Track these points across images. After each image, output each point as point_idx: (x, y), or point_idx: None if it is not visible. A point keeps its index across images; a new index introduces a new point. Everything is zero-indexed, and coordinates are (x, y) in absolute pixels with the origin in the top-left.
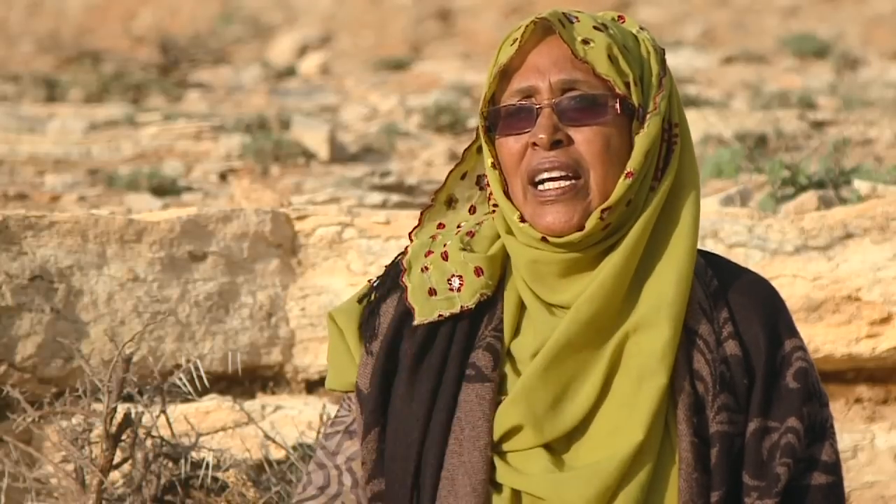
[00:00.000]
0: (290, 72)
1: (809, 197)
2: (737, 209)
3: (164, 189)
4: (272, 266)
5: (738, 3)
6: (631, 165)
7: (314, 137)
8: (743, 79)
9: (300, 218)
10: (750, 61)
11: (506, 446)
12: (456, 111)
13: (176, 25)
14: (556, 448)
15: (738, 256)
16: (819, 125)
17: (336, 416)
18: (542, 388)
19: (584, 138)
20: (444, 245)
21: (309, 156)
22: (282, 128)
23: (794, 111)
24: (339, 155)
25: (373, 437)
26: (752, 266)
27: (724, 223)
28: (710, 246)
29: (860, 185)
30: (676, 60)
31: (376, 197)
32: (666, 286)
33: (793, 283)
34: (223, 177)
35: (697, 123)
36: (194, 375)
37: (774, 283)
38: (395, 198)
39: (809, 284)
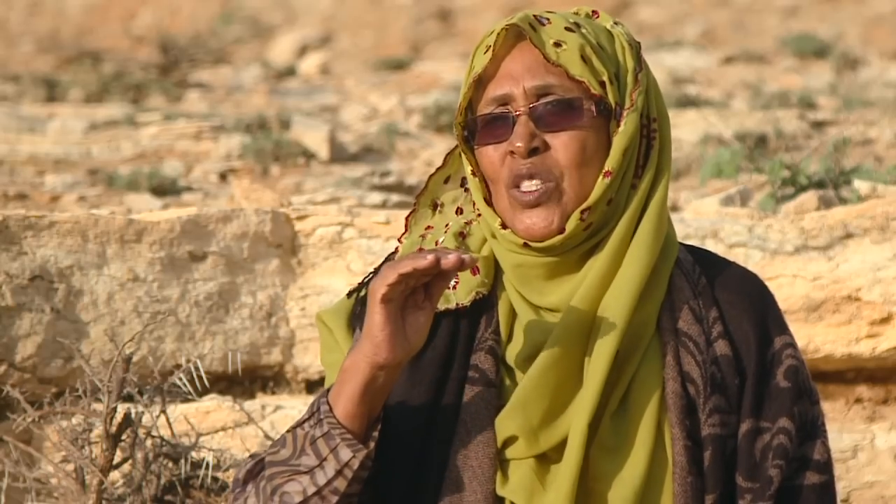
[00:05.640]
0: (290, 72)
1: (809, 197)
2: (737, 209)
3: (164, 189)
4: (272, 266)
5: (738, 3)
6: (609, 164)
7: (314, 137)
8: (743, 79)
9: (300, 218)
10: (750, 61)
11: (501, 455)
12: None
13: (176, 25)
14: (550, 457)
15: (738, 256)
16: (819, 125)
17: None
18: (537, 399)
19: (560, 143)
20: (437, 243)
21: (309, 156)
22: (282, 128)
23: (794, 111)
24: (339, 155)
25: None
26: (752, 266)
27: (724, 223)
28: (710, 246)
29: (860, 185)
30: (676, 60)
31: (376, 197)
32: (634, 268)
33: (793, 283)
34: (223, 177)
35: (697, 123)
36: (194, 375)
37: (774, 283)
38: (395, 198)
39: (809, 284)
